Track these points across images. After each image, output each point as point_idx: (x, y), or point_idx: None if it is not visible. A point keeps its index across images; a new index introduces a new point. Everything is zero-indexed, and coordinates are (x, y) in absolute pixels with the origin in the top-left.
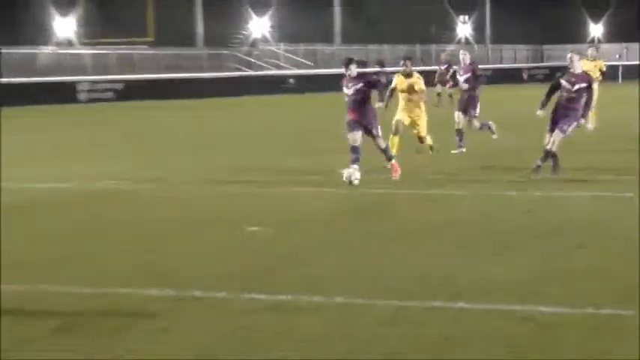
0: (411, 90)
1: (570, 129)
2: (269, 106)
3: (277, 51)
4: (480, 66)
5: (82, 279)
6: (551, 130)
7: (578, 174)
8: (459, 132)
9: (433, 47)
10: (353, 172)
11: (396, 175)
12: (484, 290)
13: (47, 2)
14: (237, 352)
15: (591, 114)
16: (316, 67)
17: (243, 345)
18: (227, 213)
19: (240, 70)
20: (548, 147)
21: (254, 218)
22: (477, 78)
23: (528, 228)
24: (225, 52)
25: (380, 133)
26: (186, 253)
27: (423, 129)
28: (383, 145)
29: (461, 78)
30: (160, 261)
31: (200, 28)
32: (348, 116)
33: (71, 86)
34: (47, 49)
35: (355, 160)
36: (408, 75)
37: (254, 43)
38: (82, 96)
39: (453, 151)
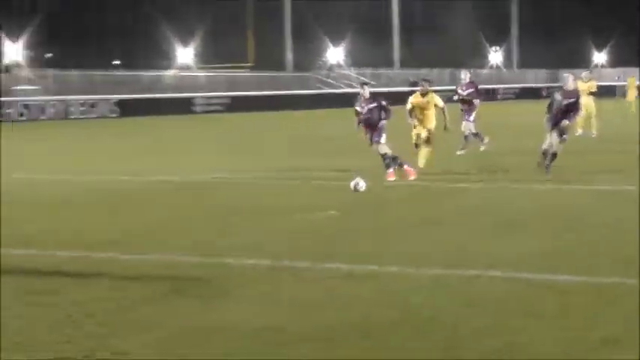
0: (426, 106)
1: (567, 136)
2: (342, 117)
3: (349, 74)
4: (507, 85)
5: (189, 249)
6: (551, 131)
7: (580, 173)
8: (475, 134)
9: (471, 71)
10: (358, 182)
11: (392, 178)
12: (509, 262)
13: (170, 35)
14: (319, 310)
15: (593, 123)
16: (379, 86)
17: (322, 304)
18: (304, 200)
19: (320, 88)
20: (554, 150)
21: (325, 204)
22: (479, 92)
23: (539, 213)
24: (308, 74)
25: (383, 141)
26: (275, 231)
27: (429, 133)
28: (382, 151)
29: (464, 92)
30: (255, 237)
31: (289, 56)
32: (365, 130)
33: (188, 101)
34: (170, 72)
35: (397, 165)
36: (424, 94)
37: (331, 68)
38: (197, 108)
39: (481, 149)
